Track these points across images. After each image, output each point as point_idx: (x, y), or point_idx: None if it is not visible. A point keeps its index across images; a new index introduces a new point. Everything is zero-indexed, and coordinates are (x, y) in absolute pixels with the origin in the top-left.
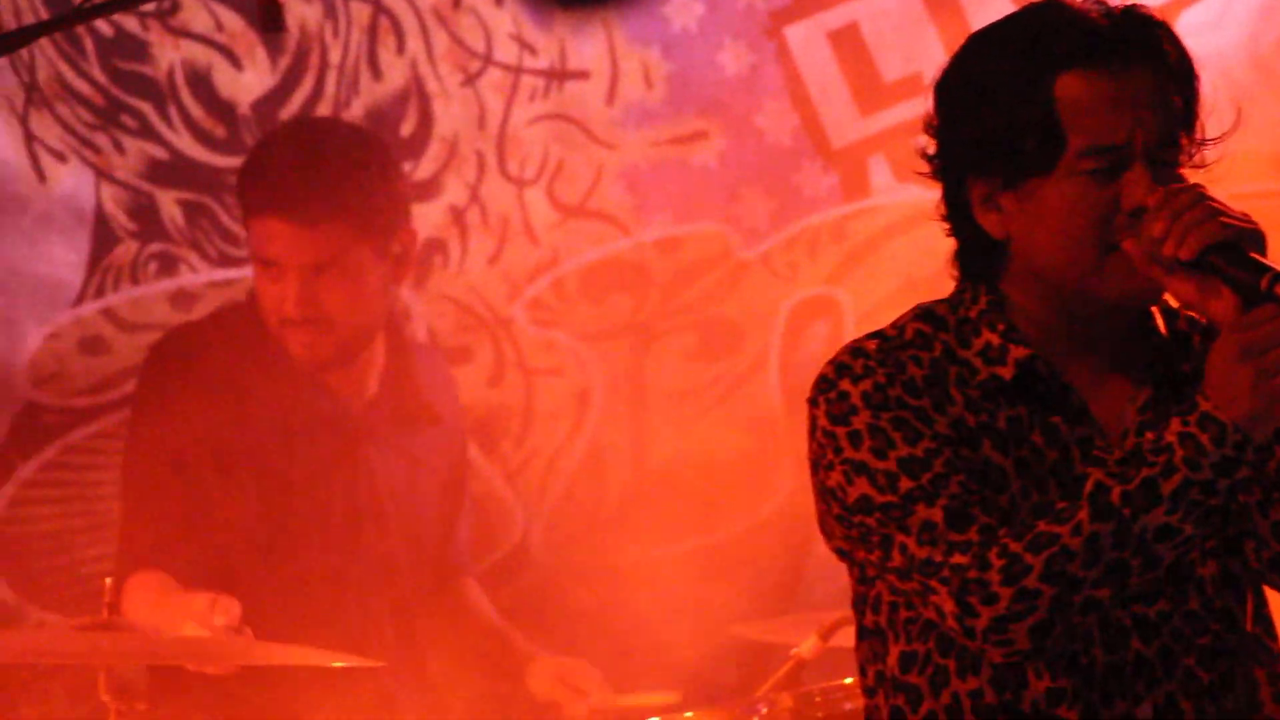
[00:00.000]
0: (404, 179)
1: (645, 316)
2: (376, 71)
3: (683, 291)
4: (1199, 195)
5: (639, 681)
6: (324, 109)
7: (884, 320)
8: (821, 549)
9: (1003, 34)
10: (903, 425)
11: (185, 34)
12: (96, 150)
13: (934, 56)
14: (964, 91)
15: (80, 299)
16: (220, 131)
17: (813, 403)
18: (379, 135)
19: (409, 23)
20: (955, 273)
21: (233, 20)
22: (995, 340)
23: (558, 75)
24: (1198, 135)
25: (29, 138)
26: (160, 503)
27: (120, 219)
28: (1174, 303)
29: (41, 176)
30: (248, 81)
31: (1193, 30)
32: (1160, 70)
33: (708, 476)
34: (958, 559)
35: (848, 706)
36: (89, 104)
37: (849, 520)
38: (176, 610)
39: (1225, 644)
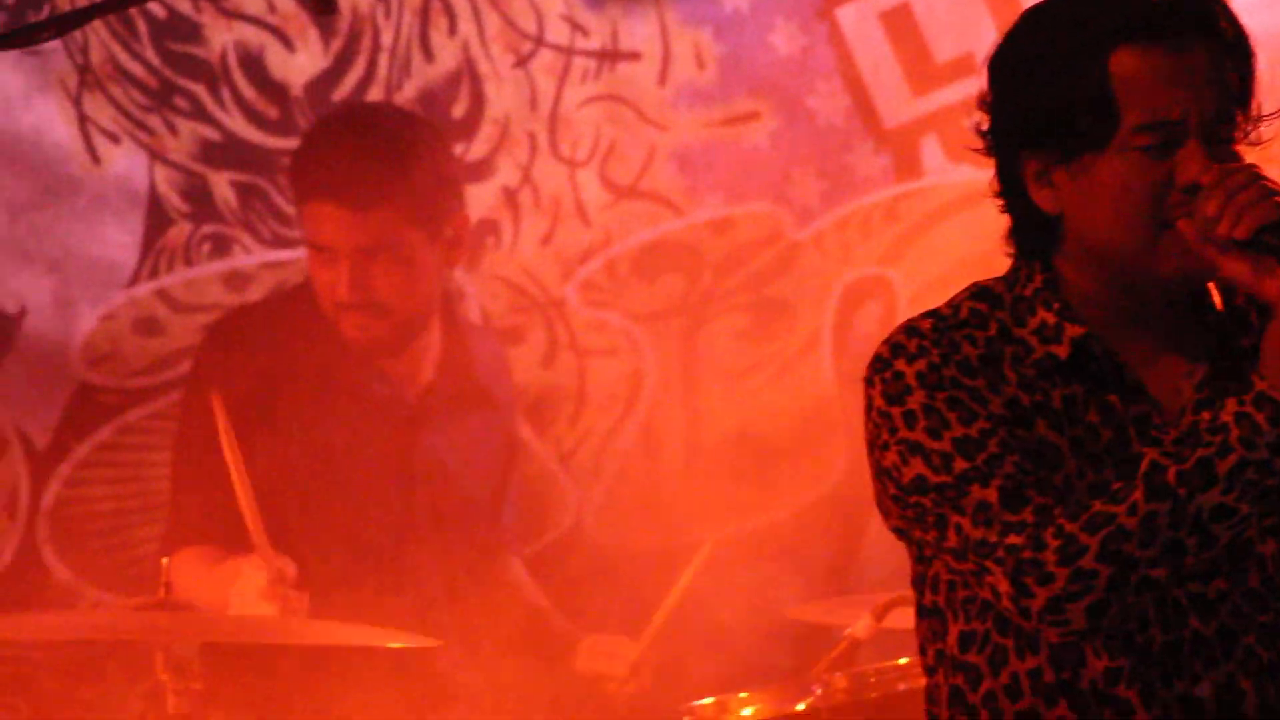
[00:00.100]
0: (456, 163)
1: (697, 297)
2: (428, 53)
3: (735, 272)
4: (1254, 174)
5: (692, 663)
6: (376, 91)
7: (936, 300)
8: (875, 529)
9: (1057, 9)
10: (957, 405)
11: (238, 16)
12: (150, 132)
13: (986, 36)
14: (1018, 66)
15: (134, 280)
16: (273, 113)
17: (868, 382)
18: (431, 119)
19: (461, 5)
20: (1010, 250)
21: (285, 2)
22: (1050, 319)
23: (609, 56)
24: (1254, 112)
25: (83, 119)
26: (211, 482)
27: (173, 200)
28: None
29: (95, 158)
30: (300, 63)
31: (1249, 8)
32: (1216, 46)
33: (761, 457)
34: (1013, 539)
35: (902, 687)
36: (142, 86)
37: (905, 500)
38: (228, 575)
39: None
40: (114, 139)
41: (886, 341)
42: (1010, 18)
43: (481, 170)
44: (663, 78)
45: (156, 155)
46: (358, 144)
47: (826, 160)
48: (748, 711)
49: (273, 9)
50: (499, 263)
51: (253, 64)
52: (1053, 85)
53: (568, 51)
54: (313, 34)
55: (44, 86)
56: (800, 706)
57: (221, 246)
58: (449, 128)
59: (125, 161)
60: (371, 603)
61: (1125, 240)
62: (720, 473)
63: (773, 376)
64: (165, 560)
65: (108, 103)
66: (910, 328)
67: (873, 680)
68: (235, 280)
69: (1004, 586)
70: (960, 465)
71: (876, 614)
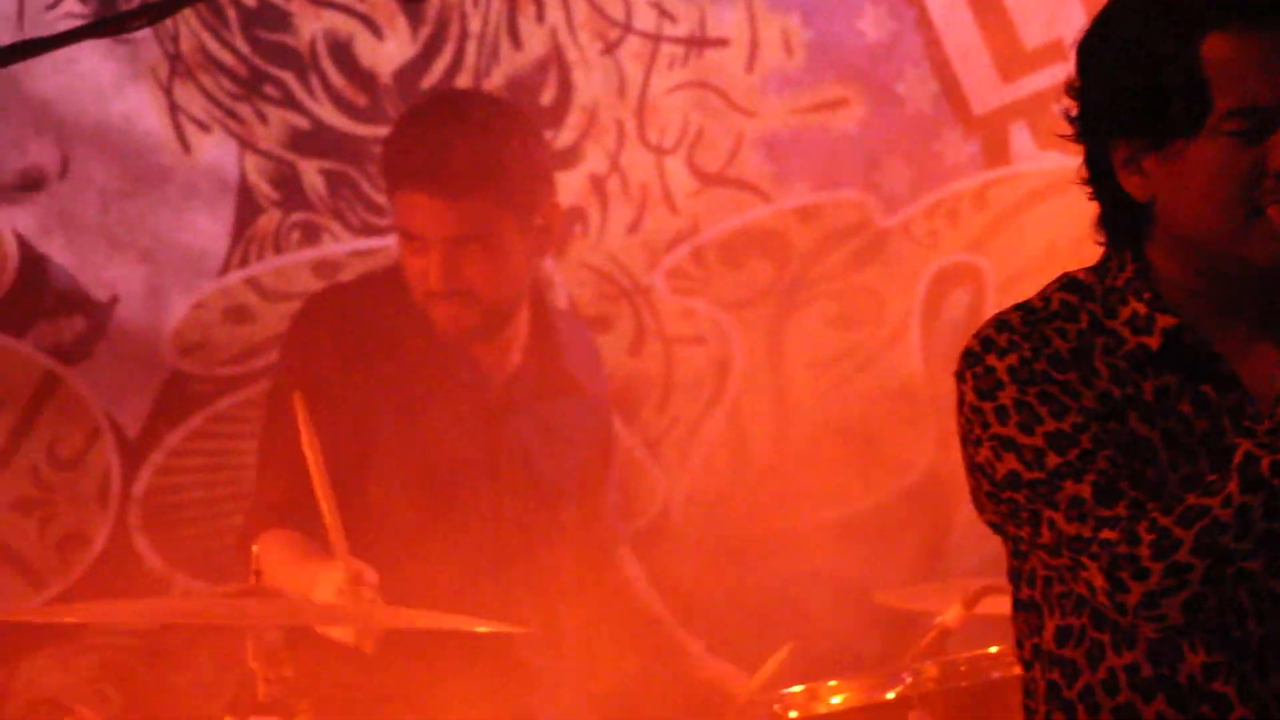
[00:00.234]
0: (547, 152)
1: (785, 284)
2: (517, 40)
3: (823, 259)
4: None
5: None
6: (464, 78)
7: (1025, 287)
8: (964, 516)
9: None
10: (1049, 400)
11: (327, 4)
12: (240, 120)
13: (1075, 21)
14: (1108, 51)
15: (225, 268)
16: (361, 101)
17: (959, 377)
18: (522, 107)
19: None
20: (1099, 238)
21: None
22: (1142, 310)
23: (697, 43)
24: None
25: (173, 108)
26: (297, 466)
27: (263, 188)
28: None
29: (186, 147)
30: (389, 51)
31: None
32: None
33: (849, 445)
34: (1106, 534)
35: (994, 675)
36: (232, 74)
37: (998, 496)
38: (309, 581)
39: None
40: (204, 127)
41: (977, 336)
42: (1099, 3)
43: (569, 158)
44: (750, 64)
45: (246, 143)
46: (449, 132)
47: (915, 147)
48: (837, 700)
49: None
50: (586, 250)
51: (342, 52)
52: (1143, 70)
53: (655, 38)
54: (401, 22)
55: (135, 75)
56: (890, 695)
57: (311, 234)
58: (537, 115)
59: (215, 150)
60: (455, 589)
61: (1215, 227)
62: (808, 461)
63: (860, 364)
64: (255, 547)
65: (198, 91)
66: (1000, 322)
67: (963, 669)
68: (324, 268)
69: (1099, 582)
70: (1053, 460)
71: (967, 602)
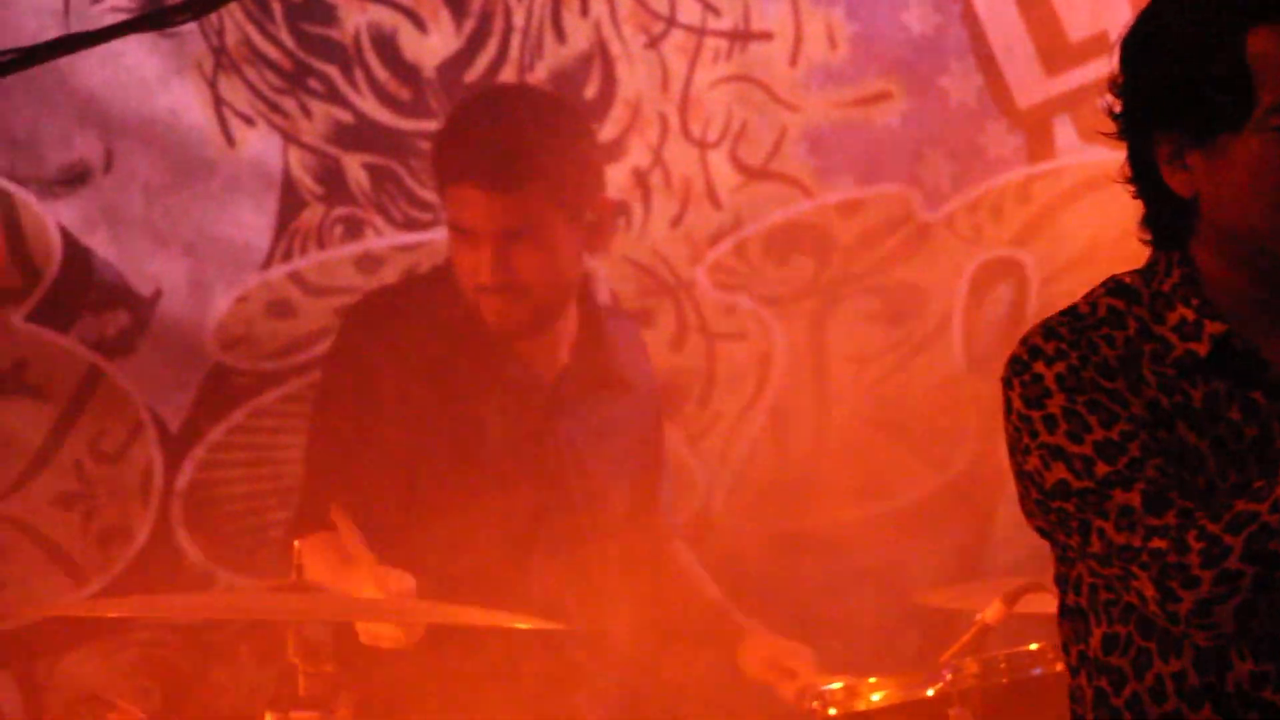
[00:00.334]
0: (598, 147)
1: (827, 279)
2: (560, 34)
3: (865, 254)
4: None
5: (821, 648)
6: (508, 72)
7: (1068, 282)
8: (1005, 513)
9: None
10: (1098, 408)
11: None
12: (284, 114)
13: (1120, 14)
14: (1153, 46)
15: (268, 262)
16: (405, 95)
17: (1006, 384)
18: (574, 102)
19: None
20: (1144, 237)
21: None
22: (1190, 315)
23: (741, 37)
24: None
25: (218, 102)
26: (345, 463)
27: (307, 182)
28: None
29: (230, 140)
30: (433, 45)
31: None
32: None
33: (890, 440)
34: (1156, 543)
35: (1034, 672)
36: (276, 68)
37: (1047, 505)
38: (349, 584)
39: None
40: (249, 121)
41: (1023, 342)
42: None
43: (612, 152)
44: (794, 58)
45: (290, 137)
46: (502, 126)
47: (958, 141)
48: (877, 696)
49: None
50: (629, 245)
51: (386, 45)
52: (1188, 64)
53: (699, 32)
54: (445, 15)
55: (180, 69)
56: (930, 692)
57: (354, 229)
58: (580, 109)
59: (259, 144)
60: (501, 586)
61: (1260, 222)
62: (849, 456)
63: (903, 359)
64: (297, 543)
65: (243, 85)
66: (1047, 329)
67: (1003, 666)
68: (367, 262)
69: (1150, 591)
70: (1102, 469)
71: (1007, 599)
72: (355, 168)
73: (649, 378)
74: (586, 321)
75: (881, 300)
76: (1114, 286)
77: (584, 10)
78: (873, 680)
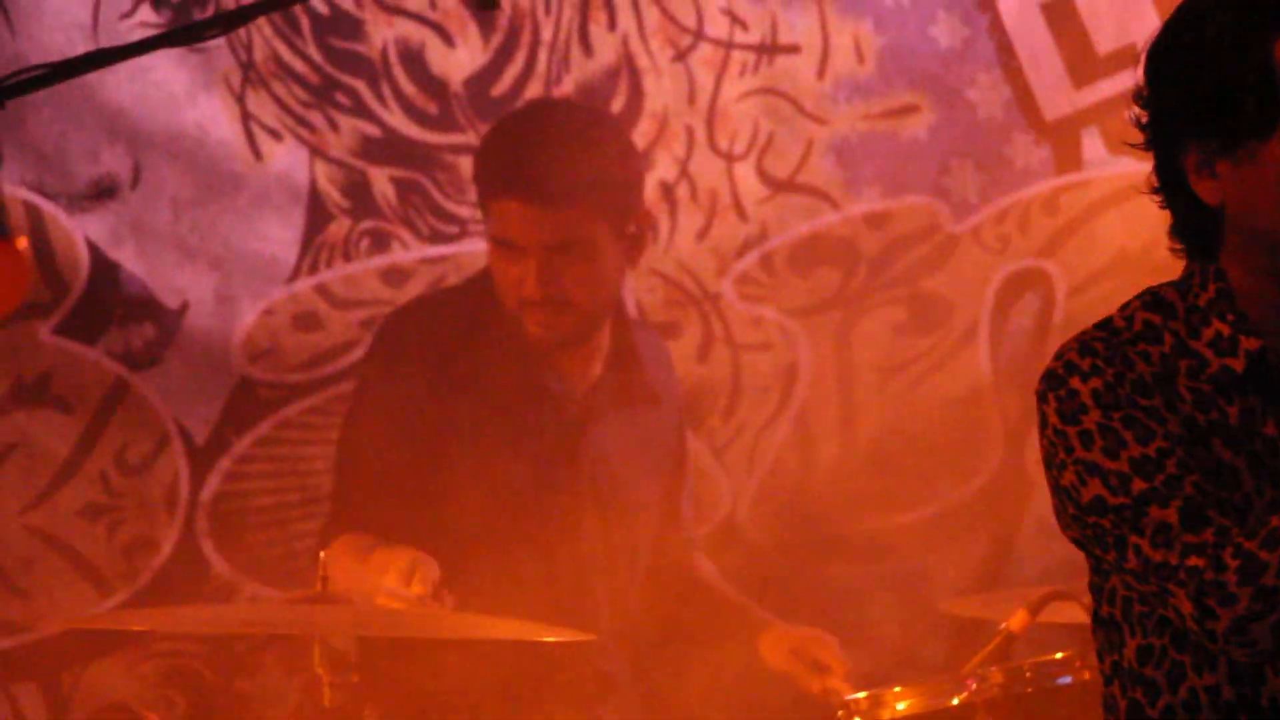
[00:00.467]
0: (640, 160)
1: (853, 291)
2: (588, 48)
3: (892, 265)
4: None
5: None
6: (535, 86)
7: (1094, 294)
8: (1030, 522)
9: None
10: (1134, 424)
11: (399, 11)
12: (311, 128)
13: (1148, 27)
14: (1180, 54)
15: (294, 276)
16: (432, 109)
17: (1041, 398)
18: (616, 117)
19: None
20: (1174, 245)
21: None
22: (1226, 331)
23: (768, 50)
24: None
25: (245, 116)
26: (375, 473)
27: (334, 196)
28: None
29: (258, 154)
30: (460, 59)
31: None
32: None
33: (916, 451)
34: (1193, 561)
35: (1059, 681)
36: (304, 82)
37: (1083, 520)
38: (377, 567)
39: None
40: (276, 135)
41: (1059, 357)
42: (1172, 8)
43: None
44: (821, 71)
45: (317, 151)
46: (548, 140)
47: (985, 153)
48: (902, 705)
49: (434, 5)
50: (655, 257)
51: (413, 60)
52: (1215, 72)
53: (727, 45)
54: (472, 29)
55: (208, 84)
56: (955, 701)
57: (380, 242)
58: None
59: (287, 158)
60: (530, 597)
61: None
62: (874, 466)
63: (929, 370)
64: (323, 554)
65: (270, 99)
66: (1083, 344)
67: (1028, 675)
68: (393, 276)
69: (1187, 609)
70: (1139, 486)
71: (1032, 608)
72: (382, 181)
73: (674, 391)
74: (618, 334)
75: (907, 311)
76: (1150, 300)
77: (611, 24)
78: (898, 689)
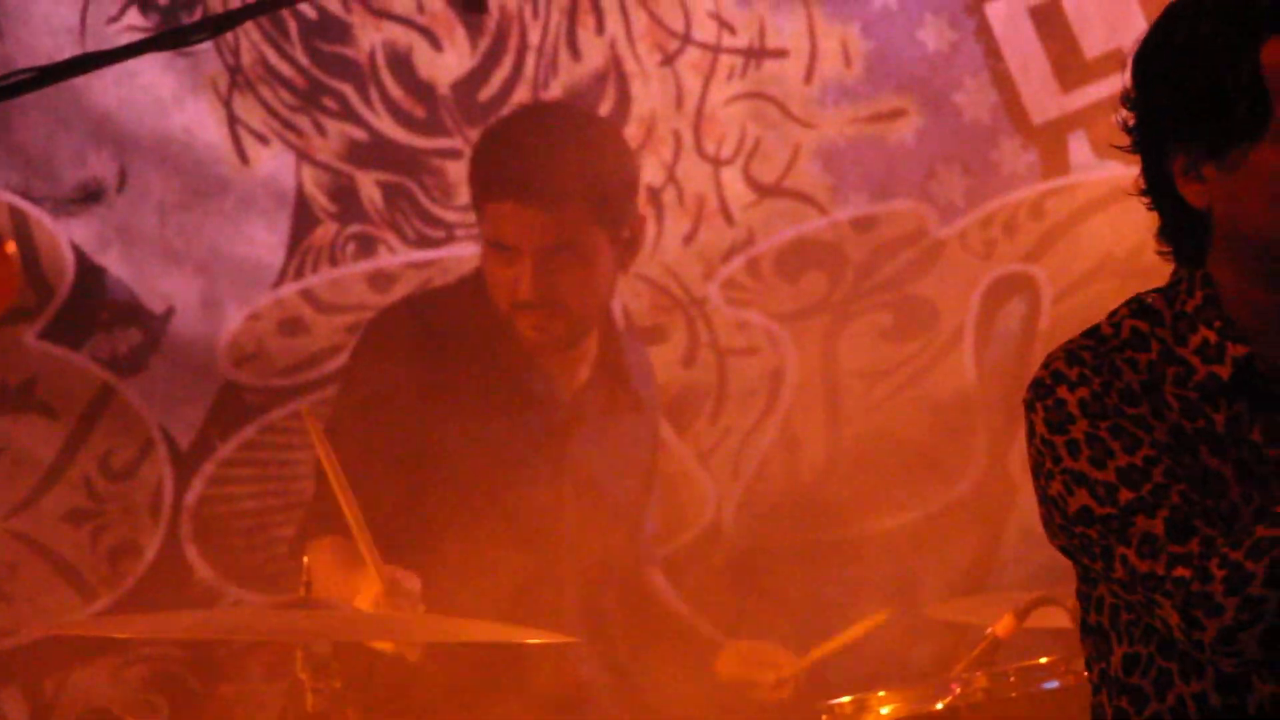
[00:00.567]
0: (636, 165)
1: (840, 295)
2: (575, 52)
3: (878, 270)
4: None
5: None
6: (523, 90)
7: (1080, 298)
8: (1015, 527)
9: (1205, 1)
10: (1121, 434)
11: (386, 15)
12: (298, 132)
13: (1136, 31)
14: (1167, 57)
15: (280, 280)
16: (420, 112)
17: (1029, 407)
18: (613, 120)
19: (608, 3)
20: (1161, 249)
21: (433, 1)
22: (1213, 338)
23: (756, 54)
24: None
25: (232, 120)
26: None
27: (320, 200)
28: None
29: (244, 159)
30: (447, 62)
31: None
32: None
33: (901, 455)
34: (1180, 572)
35: (1044, 687)
36: (291, 86)
37: (1070, 530)
38: (353, 592)
39: None
40: (263, 140)
41: (1046, 366)
42: (1160, 12)
43: None
44: (809, 75)
45: (304, 155)
46: (545, 143)
47: (972, 157)
48: (886, 710)
49: (421, 9)
50: (642, 262)
51: (401, 64)
52: (1203, 75)
53: (714, 49)
54: (460, 33)
55: (195, 88)
56: (939, 705)
57: (366, 246)
58: None
59: (273, 162)
60: (510, 602)
61: (1277, 231)
62: (860, 471)
63: (915, 375)
64: (306, 559)
65: (257, 104)
66: (1071, 353)
67: (1013, 679)
68: (379, 280)
69: (1174, 619)
70: (1125, 496)
71: (1018, 613)
72: (369, 185)
73: (653, 400)
74: (606, 341)
75: (894, 316)
76: (1137, 308)
77: (599, 28)
78: (882, 693)
